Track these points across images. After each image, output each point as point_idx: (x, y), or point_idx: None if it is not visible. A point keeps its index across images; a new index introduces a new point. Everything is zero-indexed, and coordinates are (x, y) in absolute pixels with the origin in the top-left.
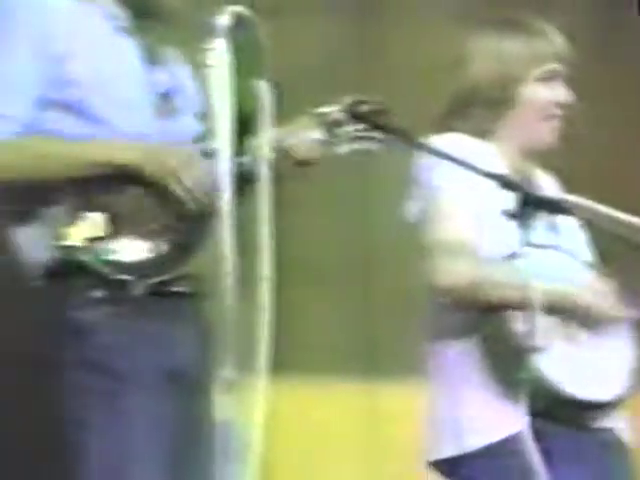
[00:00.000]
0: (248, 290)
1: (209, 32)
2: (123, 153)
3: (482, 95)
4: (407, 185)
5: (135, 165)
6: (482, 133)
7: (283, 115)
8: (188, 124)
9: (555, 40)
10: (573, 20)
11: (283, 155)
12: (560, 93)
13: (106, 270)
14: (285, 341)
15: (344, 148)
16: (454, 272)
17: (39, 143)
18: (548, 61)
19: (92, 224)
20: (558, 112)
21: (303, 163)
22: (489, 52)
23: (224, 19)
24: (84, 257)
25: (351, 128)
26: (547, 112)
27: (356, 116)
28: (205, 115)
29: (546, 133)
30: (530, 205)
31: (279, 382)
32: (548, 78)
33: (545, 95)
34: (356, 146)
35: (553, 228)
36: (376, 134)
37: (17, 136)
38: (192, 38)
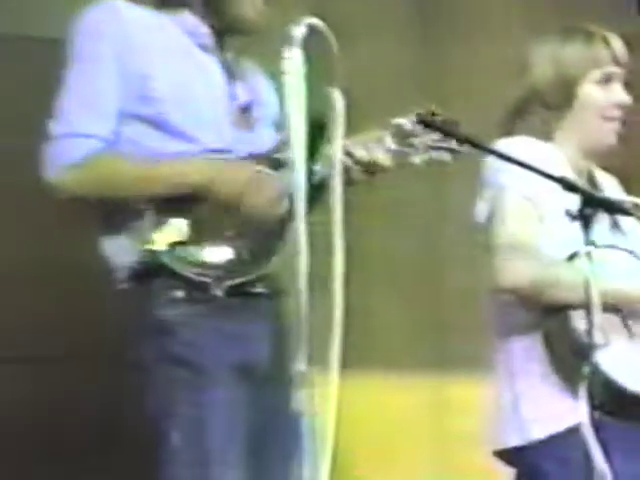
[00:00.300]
0: (325, 289)
1: (285, 42)
2: (196, 176)
3: (542, 97)
4: (477, 186)
5: (206, 187)
6: (544, 135)
7: (353, 126)
8: (266, 135)
9: (613, 45)
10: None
11: (355, 163)
12: (618, 95)
13: (188, 273)
14: (362, 337)
15: (418, 158)
16: (517, 271)
17: (123, 166)
18: (605, 64)
19: (175, 230)
20: (617, 113)
21: (374, 172)
22: (549, 56)
23: (299, 30)
24: (167, 261)
25: (425, 138)
26: (605, 113)
27: (429, 126)
28: (281, 125)
29: (605, 134)
30: (591, 206)
31: (357, 376)
32: (606, 80)
33: (603, 97)
34: (430, 156)
35: (617, 228)
36: (448, 144)
37: (100, 152)
38: (269, 49)
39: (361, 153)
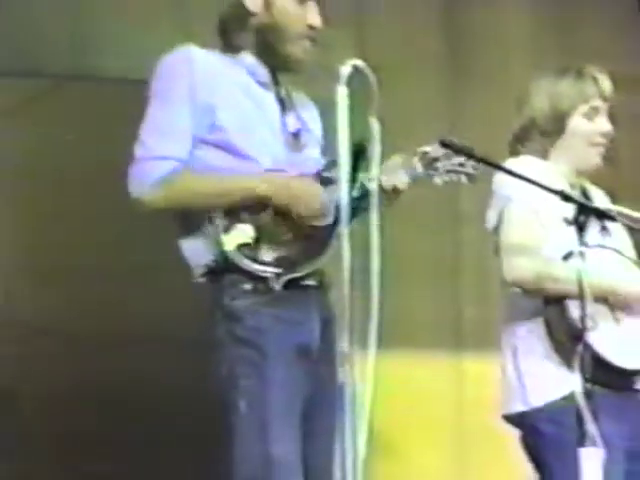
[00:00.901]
0: (363, 282)
1: (334, 79)
2: (259, 188)
3: (539, 126)
4: (488, 197)
5: (268, 197)
6: (541, 156)
7: (388, 150)
8: (313, 157)
9: (601, 82)
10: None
11: (386, 185)
12: (603, 126)
13: (252, 269)
14: (393, 322)
15: (440, 179)
16: (522, 268)
17: (196, 182)
18: (593, 99)
19: (241, 234)
20: (601, 140)
21: (399, 191)
22: (545, 91)
23: (346, 69)
24: (236, 259)
25: (446, 163)
26: (592, 141)
27: (451, 148)
28: (327, 148)
29: (592, 157)
30: (585, 214)
31: (389, 354)
32: (592, 113)
33: (590, 127)
34: (450, 178)
35: (605, 231)
36: (464, 169)
37: (177, 172)
38: (318, 85)
39: (390, 178)
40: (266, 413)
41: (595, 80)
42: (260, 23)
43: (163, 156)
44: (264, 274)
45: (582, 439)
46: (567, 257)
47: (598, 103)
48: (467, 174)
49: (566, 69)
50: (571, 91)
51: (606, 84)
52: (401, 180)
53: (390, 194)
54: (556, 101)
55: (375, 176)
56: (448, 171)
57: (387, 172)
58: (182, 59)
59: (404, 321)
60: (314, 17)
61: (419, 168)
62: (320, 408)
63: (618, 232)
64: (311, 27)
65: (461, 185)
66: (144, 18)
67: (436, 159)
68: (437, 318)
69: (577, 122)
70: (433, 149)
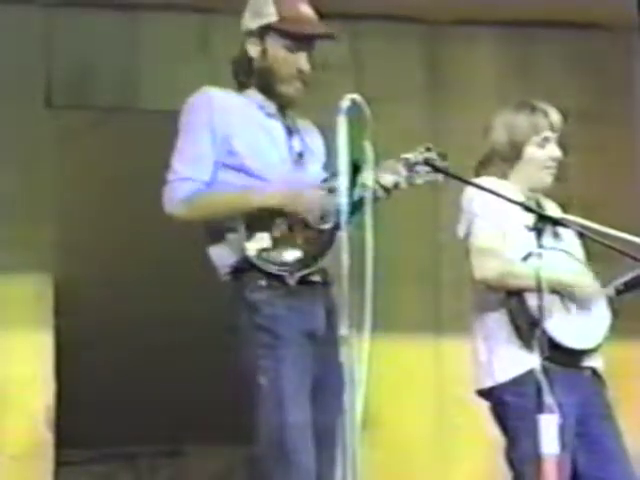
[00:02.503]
0: (359, 278)
1: (336, 111)
2: (272, 199)
3: (499, 153)
4: (458, 210)
5: (280, 206)
6: (500, 177)
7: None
8: (315, 172)
9: (551, 115)
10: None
11: (380, 186)
12: (553, 152)
13: (270, 269)
14: (384, 311)
15: (420, 180)
16: (488, 269)
17: (220, 196)
18: (543, 130)
19: (260, 240)
20: (552, 164)
21: (390, 190)
22: (504, 124)
23: (345, 102)
24: (256, 261)
25: (424, 167)
26: (544, 165)
27: (426, 162)
28: (329, 164)
29: (544, 178)
30: (542, 221)
31: (380, 337)
32: (544, 142)
33: (542, 154)
34: (427, 179)
35: (557, 236)
36: (440, 167)
37: (202, 192)
38: (323, 116)
39: (385, 179)
40: (282, 387)
41: (546, 114)
42: (259, 67)
43: (189, 177)
44: (280, 273)
45: (541, 408)
46: (526, 258)
47: (548, 134)
48: (443, 172)
49: (522, 105)
50: (525, 124)
51: (555, 117)
52: (388, 180)
53: (383, 190)
54: (513, 133)
55: (368, 187)
56: (427, 172)
57: (379, 173)
58: (203, 99)
59: (393, 310)
60: (303, 63)
61: (403, 171)
62: (325, 382)
63: (568, 237)
64: (300, 71)
65: (439, 196)
66: (179, 58)
67: (416, 163)
68: (420, 308)
69: (531, 150)
70: (413, 155)
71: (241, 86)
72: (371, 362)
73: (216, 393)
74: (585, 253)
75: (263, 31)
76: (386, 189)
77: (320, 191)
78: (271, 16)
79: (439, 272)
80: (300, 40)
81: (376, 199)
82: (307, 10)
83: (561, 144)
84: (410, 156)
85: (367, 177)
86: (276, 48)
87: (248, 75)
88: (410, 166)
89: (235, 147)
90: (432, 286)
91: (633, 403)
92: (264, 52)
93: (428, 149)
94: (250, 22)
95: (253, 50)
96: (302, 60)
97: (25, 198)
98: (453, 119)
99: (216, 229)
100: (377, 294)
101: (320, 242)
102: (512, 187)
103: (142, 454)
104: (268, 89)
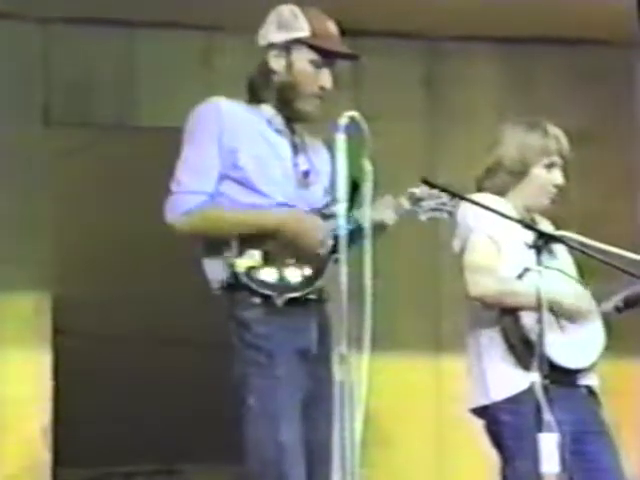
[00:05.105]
0: (357, 295)
1: (334, 129)
2: (272, 221)
3: (506, 167)
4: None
5: (279, 229)
6: (501, 192)
7: (379, 185)
8: (318, 194)
9: (561, 141)
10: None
11: (378, 221)
12: (557, 179)
13: (258, 289)
14: (383, 330)
15: (424, 216)
16: (485, 286)
17: (220, 214)
18: (553, 154)
19: (251, 258)
20: (553, 190)
21: (386, 225)
22: (515, 141)
23: (343, 120)
24: (245, 279)
25: (430, 202)
26: (546, 189)
27: (432, 186)
28: (330, 188)
29: (543, 201)
30: (541, 239)
31: (380, 356)
32: (550, 166)
33: (546, 178)
34: (433, 214)
35: (552, 254)
36: (446, 207)
37: (205, 205)
38: (322, 133)
39: (385, 215)
40: (273, 406)
41: (558, 140)
42: (281, 81)
43: (193, 191)
44: (269, 293)
45: (540, 426)
46: (521, 275)
47: (556, 159)
48: (448, 212)
49: (535, 125)
50: (537, 145)
51: (565, 145)
52: (389, 216)
53: (379, 227)
54: (524, 151)
55: (367, 211)
56: (432, 209)
57: (378, 209)
58: (212, 109)
59: (392, 328)
60: (326, 80)
61: (406, 206)
62: (317, 400)
63: (562, 255)
64: (322, 88)
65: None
66: (179, 76)
67: (421, 199)
68: (420, 326)
69: (537, 172)
70: (419, 190)
71: (254, 100)
72: (370, 380)
73: (214, 411)
74: (581, 270)
75: (290, 45)
76: (384, 226)
77: (320, 219)
78: (303, 31)
79: (439, 290)
80: (328, 56)
81: (374, 234)
82: (334, 28)
83: (564, 170)
84: (416, 191)
85: (365, 214)
86: (303, 62)
87: (265, 89)
88: (415, 201)
89: (240, 161)
90: (432, 304)
91: (628, 421)
92: (289, 66)
93: (435, 186)
94: (275, 35)
95: (276, 63)
96: (326, 76)
97: (23, 215)
98: (452, 136)
99: (212, 243)
100: (376, 312)
101: (314, 263)
102: (509, 204)
103: (140, 473)
104: (286, 104)
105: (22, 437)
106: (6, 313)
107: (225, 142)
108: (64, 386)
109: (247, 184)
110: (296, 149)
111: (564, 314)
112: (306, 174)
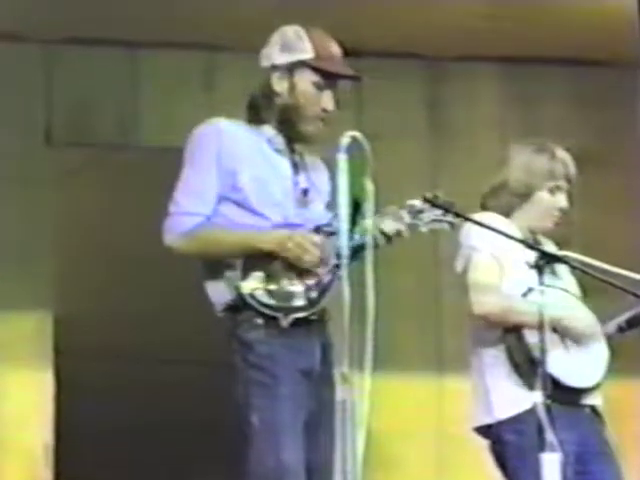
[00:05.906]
0: (359, 317)
1: (336, 148)
2: (268, 243)
3: (511, 189)
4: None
5: (276, 250)
6: (506, 212)
7: (380, 205)
8: (319, 212)
9: (569, 167)
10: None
11: (380, 233)
12: (561, 203)
13: (263, 310)
14: (386, 350)
15: (425, 228)
16: (489, 304)
17: (216, 235)
18: (559, 179)
19: (256, 279)
20: (558, 214)
21: (392, 238)
22: (522, 163)
23: (345, 140)
24: (249, 300)
25: (430, 214)
26: (550, 212)
27: (433, 204)
28: (331, 205)
29: (546, 223)
30: (544, 259)
31: (382, 376)
32: (555, 190)
33: (551, 202)
34: (434, 226)
35: (555, 274)
36: (446, 219)
37: (201, 226)
38: (324, 153)
39: (388, 227)
40: (276, 426)
41: (565, 164)
42: (283, 103)
43: (190, 212)
44: (274, 314)
45: (543, 446)
46: (525, 294)
47: (562, 183)
48: (449, 222)
49: (543, 148)
50: (544, 169)
51: (572, 169)
52: (390, 227)
53: (381, 238)
54: (530, 174)
55: (370, 228)
56: (432, 220)
57: (380, 220)
58: (212, 131)
59: (395, 348)
60: (329, 102)
61: (407, 218)
62: (320, 420)
63: (565, 275)
64: (324, 110)
65: (440, 234)
66: (180, 96)
67: (421, 211)
68: (422, 345)
69: (542, 195)
70: (419, 202)
71: (255, 120)
72: (372, 400)
73: (215, 429)
74: (584, 290)
75: (293, 66)
76: (387, 237)
77: (318, 237)
78: (306, 52)
79: (441, 309)
80: (331, 79)
81: (377, 246)
82: (337, 49)
83: (569, 194)
84: (416, 203)
85: (368, 223)
86: (306, 84)
87: (267, 110)
88: (415, 213)
89: (239, 182)
90: (434, 323)
91: (632, 442)
92: (292, 88)
93: (435, 197)
94: (278, 57)
95: (279, 85)
96: (328, 99)
97: (25, 234)
98: (455, 156)
99: (213, 264)
100: (378, 331)
101: (319, 284)
102: (513, 224)
103: None
104: (288, 126)
105: (23, 455)
106: (8, 332)
107: (224, 164)
108: (65, 404)
109: (246, 206)
110: (296, 168)
111: (568, 333)
112: (305, 192)
